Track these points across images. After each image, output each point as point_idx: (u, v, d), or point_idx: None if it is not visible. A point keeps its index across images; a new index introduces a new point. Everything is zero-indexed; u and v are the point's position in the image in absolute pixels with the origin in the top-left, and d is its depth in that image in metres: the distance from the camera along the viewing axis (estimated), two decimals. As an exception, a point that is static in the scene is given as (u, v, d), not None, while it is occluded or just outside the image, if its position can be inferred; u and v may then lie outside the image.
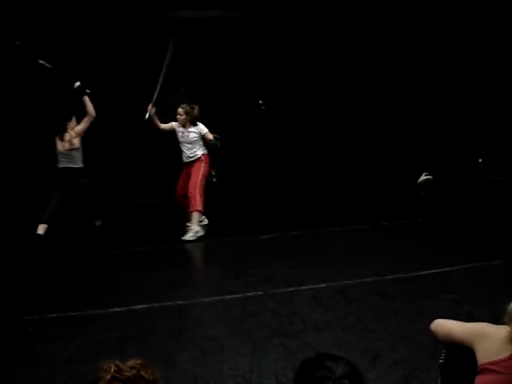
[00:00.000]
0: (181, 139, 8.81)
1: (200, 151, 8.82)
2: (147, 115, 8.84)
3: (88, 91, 8.53)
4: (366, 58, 11.98)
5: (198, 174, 8.66)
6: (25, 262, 7.75)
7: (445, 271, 6.34)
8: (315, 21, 11.93)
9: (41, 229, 8.19)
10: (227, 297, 6.01)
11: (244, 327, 5.18)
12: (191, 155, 8.79)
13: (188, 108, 8.76)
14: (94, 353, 4.70)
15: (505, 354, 2.55)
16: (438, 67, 11.81)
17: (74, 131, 8.47)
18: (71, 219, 9.08)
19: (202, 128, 8.79)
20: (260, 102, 11.64)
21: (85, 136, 8.54)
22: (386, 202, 10.29)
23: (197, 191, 8.54)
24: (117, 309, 5.79)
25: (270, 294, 6.00)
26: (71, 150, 8.45)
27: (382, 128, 11.99)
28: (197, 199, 8.50)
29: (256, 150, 11.92)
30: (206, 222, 8.95)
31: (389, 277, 6.26)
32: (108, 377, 1.71)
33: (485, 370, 2.60)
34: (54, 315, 5.70)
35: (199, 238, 8.47)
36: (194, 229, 8.46)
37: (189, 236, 8.40)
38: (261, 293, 6.04)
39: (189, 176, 8.72)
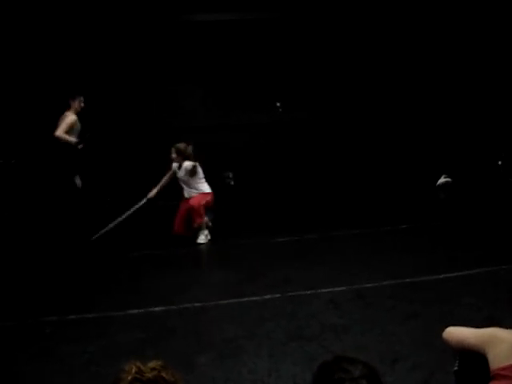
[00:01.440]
0: (179, 176, 8.80)
1: (197, 189, 8.73)
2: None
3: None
4: (381, 59, 11.96)
5: (199, 202, 8.57)
6: (44, 264, 7.80)
7: (465, 275, 6.29)
8: (329, 23, 11.94)
9: None
10: (244, 299, 6.01)
11: (262, 330, 5.17)
12: (189, 193, 8.76)
13: (178, 146, 8.65)
14: (112, 355, 4.72)
15: (516, 359, 2.51)
16: (457, 69, 11.76)
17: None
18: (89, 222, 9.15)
19: (186, 164, 8.60)
20: (277, 104, 11.65)
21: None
22: (404, 204, 10.23)
23: (199, 210, 8.51)
24: (135, 311, 5.81)
25: (288, 296, 5.98)
26: None
27: (401, 130, 11.96)
28: (200, 213, 8.51)
29: (272, 153, 11.93)
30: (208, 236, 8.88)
31: (407, 280, 6.22)
32: (129, 378, 1.71)
33: (497, 375, 2.56)
34: (73, 317, 5.74)
35: (216, 241, 8.51)
36: (204, 232, 8.62)
37: (201, 239, 8.51)
38: (278, 295, 6.03)
39: (186, 211, 8.68)
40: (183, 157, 8.60)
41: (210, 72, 11.87)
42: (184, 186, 8.72)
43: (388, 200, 10.64)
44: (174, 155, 8.66)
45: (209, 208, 8.84)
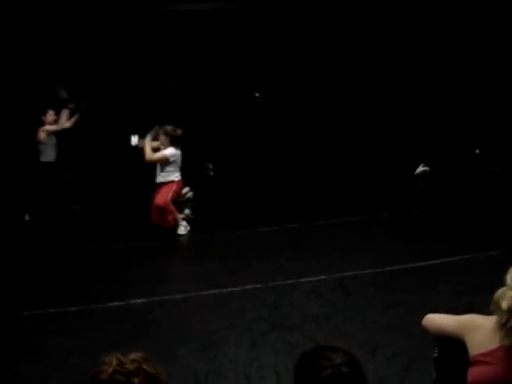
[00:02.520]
0: None
1: (165, 178, 8.67)
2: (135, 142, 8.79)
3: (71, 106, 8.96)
4: (365, 50, 11.96)
5: (165, 200, 8.51)
6: (24, 258, 7.72)
7: (444, 262, 6.35)
8: (313, 13, 11.91)
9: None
10: (225, 290, 6.01)
11: (243, 320, 5.18)
12: (158, 178, 8.70)
13: (166, 128, 8.64)
14: (93, 347, 4.69)
15: (494, 345, 2.54)
16: (435, 59, 11.80)
17: (42, 129, 9.26)
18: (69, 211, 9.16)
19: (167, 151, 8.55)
20: (256, 94, 11.62)
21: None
22: (384, 194, 10.27)
23: (167, 207, 8.48)
24: (115, 303, 5.79)
25: (269, 287, 5.99)
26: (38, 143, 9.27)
27: (379, 119, 12.00)
28: (169, 210, 8.48)
29: (254, 143, 11.92)
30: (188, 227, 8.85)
31: (388, 268, 6.27)
32: (110, 370, 1.70)
33: (476, 361, 2.60)
34: (53, 310, 5.69)
35: (197, 232, 8.49)
36: (183, 223, 8.58)
37: (181, 230, 8.49)
38: (259, 286, 6.04)
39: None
40: (170, 139, 8.56)
41: (189, 62, 11.80)
42: (157, 169, 8.66)
43: (369, 189, 10.66)
44: (161, 137, 8.63)
45: (189, 199, 8.83)
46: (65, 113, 9.59)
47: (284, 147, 11.94)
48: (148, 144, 8.52)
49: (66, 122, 9.49)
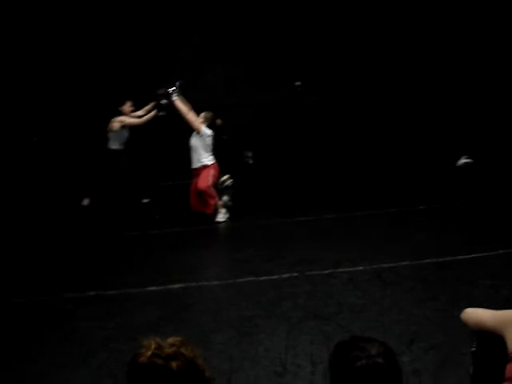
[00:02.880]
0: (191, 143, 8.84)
1: (200, 161, 8.73)
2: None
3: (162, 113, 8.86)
4: (397, 43, 11.85)
5: (206, 184, 8.57)
6: (65, 242, 7.88)
7: (484, 256, 6.26)
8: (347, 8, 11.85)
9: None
10: (262, 278, 6.03)
11: (279, 309, 5.19)
12: (195, 162, 8.75)
13: (206, 113, 8.76)
14: (131, 331, 4.76)
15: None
16: (473, 54, 11.62)
17: (118, 119, 9.10)
18: (113, 198, 9.26)
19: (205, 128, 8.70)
20: (297, 83, 11.58)
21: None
22: (424, 185, 10.15)
23: (209, 191, 8.55)
24: (154, 288, 5.86)
25: (306, 276, 5.99)
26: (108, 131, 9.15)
27: (420, 110, 11.84)
28: (210, 194, 8.55)
29: (293, 132, 11.89)
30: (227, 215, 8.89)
31: (426, 261, 6.20)
32: (148, 353, 1.73)
33: (514, 357, 2.56)
34: (93, 293, 5.79)
35: (235, 220, 8.54)
36: (222, 210, 8.65)
37: (219, 217, 8.55)
38: (296, 275, 6.04)
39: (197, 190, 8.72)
40: (209, 123, 8.69)
41: (231, 51, 11.82)
42: (192, 154, 8.74)
43: (407, 181, 10.57)
44: (201, 119, 8.74)
45: (228, 187, 8.88)
46: (148, 107, 9.39)
47: (321, 137, 11.88)
48: (180, 102, 8.63)
49: (141, 119, 9.27)
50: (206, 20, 11.44)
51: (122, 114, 9.24)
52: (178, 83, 8.72)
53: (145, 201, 9.12)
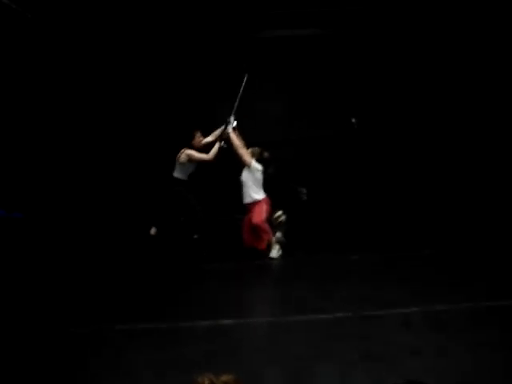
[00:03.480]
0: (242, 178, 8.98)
1: (251, 197, 8.78)
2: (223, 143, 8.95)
3: (224, 145, 8.99)
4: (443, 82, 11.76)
5: (261, 219, 8.59)
6: (119, 273, 7.99)
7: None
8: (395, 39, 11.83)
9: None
10: (315, 316, 5.92)
11: (332, 349, 5.07)
12: (245, 198, 8.82)
13: (253, 148, 8.85)
14: (181, 365, 4.73)
15: None
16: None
17: (186, 152, 9.10)
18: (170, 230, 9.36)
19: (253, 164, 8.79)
20: (353, 120, 11.56)
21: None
22: (480, 226, 9.91)
23: (263, 227, 8.56)
24: (204, 322, 5.83)
25: (359, 315, 5.86)
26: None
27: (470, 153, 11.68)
28: (265, 229, 8.54)
29: (347, 168, 11.83)
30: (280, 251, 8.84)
31: (484, 304, 6.00)
32: (202, 390, 1.71)
33: None
34: (143, 326, 5.80)
35: (289, 256, 8.51)
36: (276, 246, 8.62)
37: (273, 253, 8.53)
38: (349, 314, 5.92)
39: (251, 225, 8.73)
40: (256, 158, 8.78)
41: (286, 87, 11.92)
42: (242, 190, 8.77)
43: (462, 220, 10.35)
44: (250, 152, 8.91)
45: (281, 223, 8.87)
46: (217, 132, 9.44)
47: (376, 172, 11.79)
48: (234, 136, 8.73)
49: (208, 155, 9.19)
50: (260, 56, 11.61)
51: (192, 147, 9.25)
52: (232, 117, 8.85)
53: (195, 236, 9.13)
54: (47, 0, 9.90)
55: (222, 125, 9.15)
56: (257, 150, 8.93)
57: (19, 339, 5.56)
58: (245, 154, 8.73)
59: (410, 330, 5.42)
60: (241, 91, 9.18)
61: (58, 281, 7.73)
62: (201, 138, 9.32)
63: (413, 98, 11.91)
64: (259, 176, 8.77)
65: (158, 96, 11.53)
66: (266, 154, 8.96)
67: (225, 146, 8.97)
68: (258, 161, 8.82)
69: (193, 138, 9.29)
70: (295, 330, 5.60)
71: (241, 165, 8.89)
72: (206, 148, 9.19)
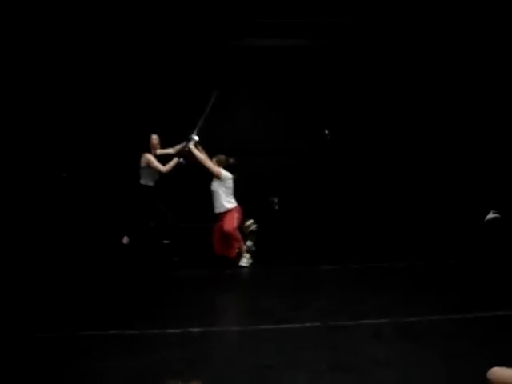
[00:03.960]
0: (212, 188, 8.90)
1: (228, 203, 8.77)
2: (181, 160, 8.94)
3: (183, 162, 8.95)
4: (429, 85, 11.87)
5: (232, 226, 8.58)
6: (84, 277, 7.90)
7: (512, 314, 6.08)
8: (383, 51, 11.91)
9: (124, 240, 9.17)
10: (285, 326, 5.90)
11: (301, 358, 5.05)
12: (218, 208, 8.76)
13: (219, 157, 8.83)
14: (149, 372, 4.69)
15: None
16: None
17: (146, 157, 9.10)
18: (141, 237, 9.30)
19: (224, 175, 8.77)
20: (326, 131, 11.62)
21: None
22: (451, 239, 10.01)
23: (234, 234, 8.55)
24: (173, 330, 5.77)
25: (329, 326, 5.85)
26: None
27: (449, 162, 11.78)
28: (236, 237, 8.53)
29: (318, 179, 11.87)
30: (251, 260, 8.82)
31: (454, 316, 6.03)
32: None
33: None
34: (112, 332, 5.72)
35: (258, 265, 8.50)
36: (247, 255, 8.68)
37: (243, 261, 8.53)
38: (318, 324, 5.91)
39: (221, 233, 8.70)
40: (223, 167, 8.75)
41: (260, 98, 11.95)
42: (213, 199, 8.73)
43: (434, 234, 10.45)
44: (216, 164, 8.85)
45: (252, 232, 8.85)
46: (179, 148, 9.30)
47: (346, 184, 11.85)
48: (196, 151, 8.70)
49: (164, 168, 9.15)
50: (234, 66, 11.63)
51: (150, 150, 9.21)
52: (194, 133, 8.84)
53: (165, 242, 9.09)
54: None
55: (184, 138, 9.04)
56: (222, 157, 8.88)
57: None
58: (211, 166, 8.70)
59: (381, 341, 5.42)
60: (208, 108, 9.13)
61: (27, 286, 7.60)
62: (156, 141, 9.27)
63: (386, 108, 12.02)
64: (230, 184, 8.75)
65: (125, 102, 11.44)
66: (231, 160, 8.92)
67: (183, 163, 8.94)
68: (226, 168, 8.79)
69: (149, 141, 9.25)
70: (264, 339, 5.56)
71: (208, 175, 8.82)
72: (168, 158, 9.14)
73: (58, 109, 11.07)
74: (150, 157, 9.06)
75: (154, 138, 9.26)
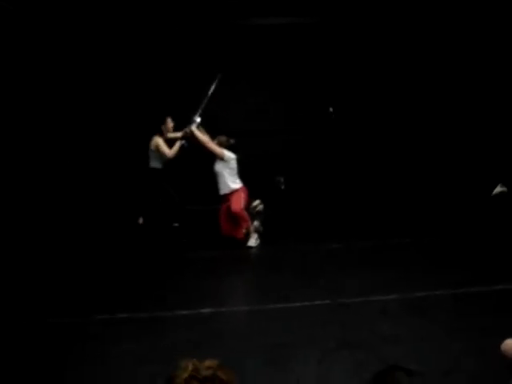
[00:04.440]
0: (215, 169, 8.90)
1: (234, 183, 8.76)
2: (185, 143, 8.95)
3: (186, 144, 8.92)
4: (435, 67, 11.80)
5: (239, 207, 8.59)
6: (96, 261, 7.96)
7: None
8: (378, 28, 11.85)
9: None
10: (293, 305, 5.96)
11: (311, 336, 5.11)
12: (222, 189, 8.77)
13: (220, 138, 8.82)
14: (160, 354, 4.75)
15: None
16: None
17: (155, 140, 9.04)
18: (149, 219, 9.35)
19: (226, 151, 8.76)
20: (330, 109, 11.59)
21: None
22: (458, 214, 10.00)
23: (242, 214, 8.57)
24: (185, 312, 5.83)
25: (338, 303, 5.91)
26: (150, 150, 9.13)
27: (456, 136, 11.74)
28: (244, 217, 8.56)
29: (325, 157, 11.86)
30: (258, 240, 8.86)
31: (463, 290, 6.07)
32: (185, 375, 1.70)
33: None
34: (124, 315, 5.79)
35: (266, 245, 8.53)
36: (254, 235, 8.67)
37: (251, 242, 8.55)
38: (328, 302, 5.96)
39: (228, 214, 8.72)
40: (225, 147, 8.76)
41: (263, 76, 11.90)
42: (218, 180, 8.75)
43: (440, 209, 10.44)
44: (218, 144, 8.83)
45: (259, 212, 8.88)
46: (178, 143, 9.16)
47: (355, 161, 11.83)
48: (199, 133, 8.71)
49: (169, 151, 9.04)
50: (237, 45, 11.59)
51: (163, 133, 9.17)
52: (197, 115, 8.84)
53: (175, 224, 9.14)
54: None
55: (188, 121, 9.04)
56: (223, 138, 8.85)
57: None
58: (214, 147, 8.69)
59: (389, 317, 5.47)
60: (211, 90, 9.10)
61: (38, 271, 7.65)
62: (171, 124, 9.25)
63: (391, 86, 11.96)
64: (234, 164, 8.74)
65: (136, 87, 11.44)
66: (232, 141, 8.92)
67: (186, 145, 8.94)
68: (227, 148, 8.79)
69: (164, 123, 9.23)
70: (274, 318, 5.62)
71: (212, 156, 8.82)
72: (173, 142, 9.17)
73: (72, 90, 11.06)
74: (159, 140, 9.04)
75: (169, 121, 9.24)
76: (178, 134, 9.13)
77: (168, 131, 9.17)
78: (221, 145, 8.75)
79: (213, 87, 9.11)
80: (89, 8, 10.51)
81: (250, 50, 11.81)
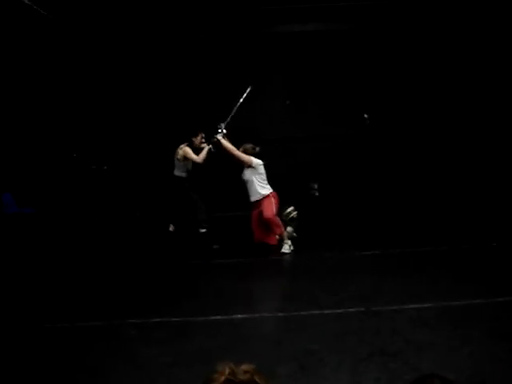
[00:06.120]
0: (243, 178, 8.89)
1: (263, 190, 8.71)
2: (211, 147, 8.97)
3: (213, 149, 9.06)
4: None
5: (272, 213, 8.55)
6: (131, 267, 8.04)
7: None
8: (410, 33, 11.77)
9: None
10: (327, 311, 5.91)
11: (344, 344, 5.06)
12: (253, 196, 8.73)
13: (246, 146, 8.79)
14: (192, 359, 4.74)
15: None
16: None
17: (184, 149, 9.27)
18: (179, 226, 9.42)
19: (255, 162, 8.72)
20: (365, 115, 11.54)
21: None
22: (497, 222, 9.85)
23: (274, 220, 8.53)
24: (217, 317, 5.83)
25: (372, 311, 5.85)
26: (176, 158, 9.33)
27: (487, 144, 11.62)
28: (277, 223, 8.52)
29: (359, 164, 11.81)
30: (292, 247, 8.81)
31: (500, 299, 5.96)
32: (222, 378, 1.70)
33: None
34: (157, 320, 5.82)
35: (300, 252, 8.51)
36: (288, 242, 8.64)
37: (285, 248, 8.52)
38: (362, 309, 5.91)
39: (261, 221, 8.68)
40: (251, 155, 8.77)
41: (299, 84, 11.92)
42: (248, 188, 8.72)
43: (477, 217, 10.31)
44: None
45: (293, 219, 8.86)
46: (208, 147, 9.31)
47: (388, 169, 11.75)
48: (226, 141, 8.71)
49: (198, 158, 9.23)
50: (270, 52, 11.61)
51: (192, 143, 9.29)
52: (223, 124, 8.87)
53: (202, 231, 9.21)
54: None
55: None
56: (249, 146, 8.84)
57: (28, 335, 5.60)
58: (241, 155, 8.68)
59: (424, 326, 5.39)
60: (240, 101, 9.14)
61: (71, 276, 7.77)
62: (202, 140, 9.38)
63: (426, 93, 11.87)
64: (262, 170, 8.72)
65: (164, 97, 11.54)
66: (257, 149, 8.91)
67: (213, 150, 9.02)
68: (254, 156, 8.77)
69: (196, 135, 9.33)
70: (308, 325, 5.58)
71: (239, 165, 8.82)
72: (199, 150, 9.27)
73: (99, 103, 11.22)
74: (187, 150, 9.20)
75: (201, 136, 9.43)
76: (205, 145, 9.22)
77: (197, 145, 9.27)
78: (246, 152, 8.73)
79: (242, 98, 9.15)
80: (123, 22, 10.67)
81: (283, 58, 11.84)
